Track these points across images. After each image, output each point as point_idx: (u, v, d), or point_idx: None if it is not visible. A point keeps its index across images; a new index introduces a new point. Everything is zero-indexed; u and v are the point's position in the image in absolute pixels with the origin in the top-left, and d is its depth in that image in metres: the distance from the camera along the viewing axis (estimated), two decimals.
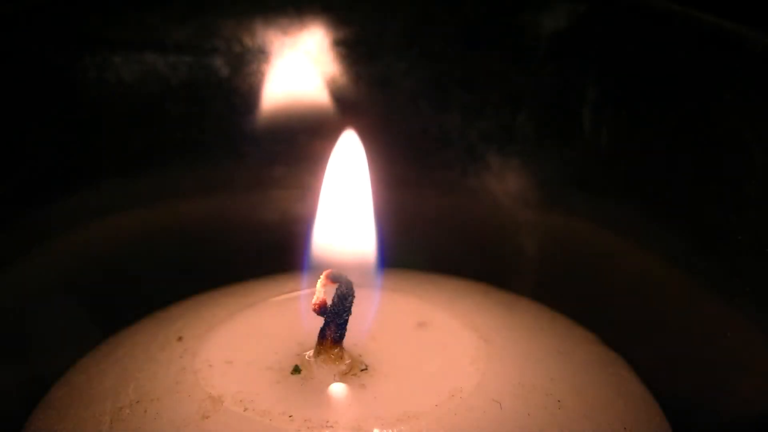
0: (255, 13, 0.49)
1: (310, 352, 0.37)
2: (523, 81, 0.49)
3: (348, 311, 0.35)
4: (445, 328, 0.39)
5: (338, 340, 0.36)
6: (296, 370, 0.37)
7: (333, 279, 0.35)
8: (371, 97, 0.50)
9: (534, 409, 0.36)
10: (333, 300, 0.35)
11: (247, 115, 0.50)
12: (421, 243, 0.49)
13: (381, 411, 0.35)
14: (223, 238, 0.50)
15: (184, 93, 0.49)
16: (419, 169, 0.50)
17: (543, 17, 0.47)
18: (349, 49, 0.50)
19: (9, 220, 0.44)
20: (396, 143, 0.49)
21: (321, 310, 0.35)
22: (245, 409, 0.35)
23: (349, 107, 0.50)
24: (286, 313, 0.40)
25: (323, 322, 0.36)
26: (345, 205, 0.40)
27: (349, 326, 0.36)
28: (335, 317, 0.35)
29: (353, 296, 0.35)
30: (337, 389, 0.36)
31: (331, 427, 0.34)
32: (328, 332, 0.36)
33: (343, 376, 0.36)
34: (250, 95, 0.50)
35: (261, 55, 0.50)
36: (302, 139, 0.50)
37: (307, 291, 0.39)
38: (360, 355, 0.37)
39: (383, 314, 0.39)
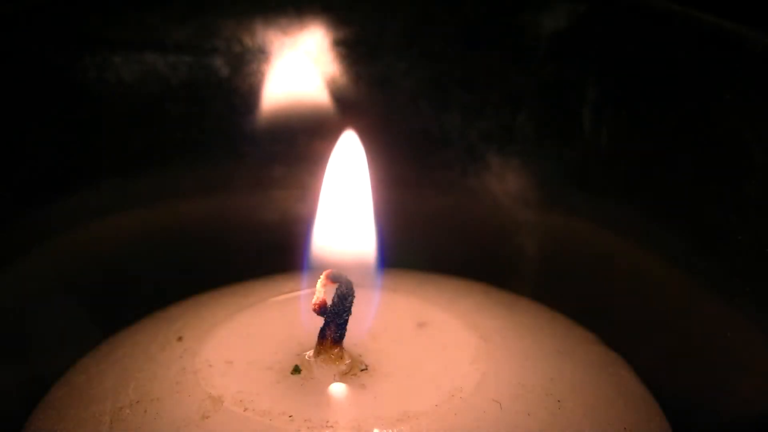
0: (255, 13, 0.49)
1: (310, 352, 0.37)
2: (523, 81, 0.49)
3: (348, 311, 0.35)
4: (445, 328, 0.39)
5: (338, 340, 0.36)
6: (296, 370, 0.36)
7: (333, 279, 0.35)
8: (371, 97, 0.50)
9: (534, 409, 0.36)
10: (333, 300, 0.35)
11: (247, 115, 0.50)
12: (421, 243, 0.49)
13: (381, 411, 0.35)
14: (223, 238, 0.50)
15: (184, 93, 0.49)
16: (419, 169, 0.50)
17: (543, 17, 0.47)
18: (349, 49, 0.50)
19: (9, 220, 0.44)
20: (396, 143, 0.49)
21: (321, 310, 0.35)
22: (245, 409, 0.35)
23: (349, 107, 0.50)
24: (286, 313, 0.40)
25: (323, 322, 0.36)
26: (345, 206, 0.40)
27: (349, 326, 0.36)
28: (335, 317, 0.35)
29: (353, 296, 0.35)
30: (337, 389, 0.36)
31: (331, 427, 0.34)
32: (328, 332, 0.36)
33: (343, 376, 0.36)
34: (250, 95, 0.50)
35: (261, 55, 0.50)
36: (302, 139, 0.50)
37: (307, 291, 0.39)
38: (360, 355, 0.37)
39: (383, 314, 0.39)
